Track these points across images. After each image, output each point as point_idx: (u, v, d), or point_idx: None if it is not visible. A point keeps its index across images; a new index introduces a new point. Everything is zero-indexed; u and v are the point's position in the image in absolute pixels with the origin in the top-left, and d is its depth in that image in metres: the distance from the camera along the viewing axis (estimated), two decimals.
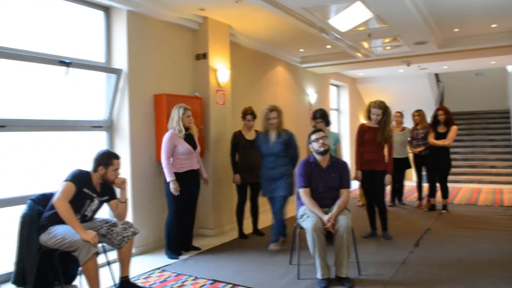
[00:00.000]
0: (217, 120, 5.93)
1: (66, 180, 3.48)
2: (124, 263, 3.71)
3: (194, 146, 4.93)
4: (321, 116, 5.42)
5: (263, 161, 5.18)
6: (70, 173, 3.55)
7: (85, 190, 3.56)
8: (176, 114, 4.82)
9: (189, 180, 4.89)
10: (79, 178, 3.53)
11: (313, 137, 4.13)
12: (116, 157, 3.72)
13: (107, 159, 3.65)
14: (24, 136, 4.26)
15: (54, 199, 3.38)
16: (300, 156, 5.22)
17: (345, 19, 6.04)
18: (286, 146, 5.15)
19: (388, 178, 5.37)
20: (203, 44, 5.89)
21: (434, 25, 6.75)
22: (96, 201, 3.66)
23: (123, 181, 3.74)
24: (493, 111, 13.44)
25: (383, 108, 5.30)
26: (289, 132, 5.27)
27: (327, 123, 5.50)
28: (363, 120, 11.81)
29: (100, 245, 3.75)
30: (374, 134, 5.36)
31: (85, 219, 3.64)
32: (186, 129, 4.88)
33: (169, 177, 4.71)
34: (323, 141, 4.08)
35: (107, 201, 3.79)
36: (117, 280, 3.77)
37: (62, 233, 3.35)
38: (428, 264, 4.41)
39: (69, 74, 4.40)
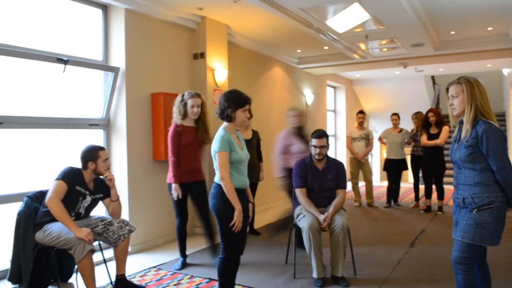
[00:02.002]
0: (214, 119, 5.91)
1: (57, 179, 3.47)
2: (120, 261, 3.70)
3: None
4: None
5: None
6: (61, 171, 3.55)
7: (77, 187, 3.55)
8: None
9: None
10: (71, 176, 3.52)
11: (313, 142, 4.14)
12: (101, 148, 3.69)
13: (93, 153, 3.62)
14: (21, 133, 4.26)
15: (46, 199, 3.38)
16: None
17: (343, 20, 6.06)
18: None
19: None
20: (201, 43, 5.90)
21: (431, 28, 6.79)
22: (88, 198, 3.64)
23: (111, 179, 3.69)
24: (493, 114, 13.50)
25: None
26: None
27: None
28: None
29: (96, 243, 3.76)
30: None
31: (80, 216, 3.63)
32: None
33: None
34: (320, 151, 4.10)
35: (101, 199, 3.78)
36: (113, 278, 3.77)
37: (57, 231, 3.35)
38: (423, 265, 4.43)
39: (66, 72, 4.40)
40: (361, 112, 7.92)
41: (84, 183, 3.61)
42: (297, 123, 5.10)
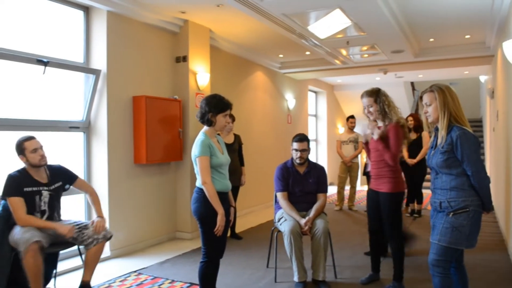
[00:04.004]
0: (196, 123, 5.92)
1: (7, 197, 3.36)
2: (89, 266, 3.54)
3: None
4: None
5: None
6: (4, 186, 3.40)
7: (26, 189, 3.42)
8: None
9: None
10: (13, 186, 3.39)
11: (294, 145, 4.17)
12: (27, 139, 3.49)
13: (19, 146, 3.47)
14: None
15: (17, 221, 3.31)
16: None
17: (324, 26, 6.12)
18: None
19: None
20: (183, 47, 5.89)
21: (411, 35, 6.91)
22: (45, 193, 3.51)
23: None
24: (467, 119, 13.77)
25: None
26: None
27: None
28: (341, 127, 11.92)
29: (75, 248, 3.70)
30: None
31: (44, 214, 3.50)
32: None
33: None
34: (301, 154, 4.14)
35: (63, 187, 3.65)
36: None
37: (15, 233, 3.28)
38: None
39: (46, 73, 4.34)
40: (352, 117, 8.08)
41: (33, 180, 3.47)
42: None
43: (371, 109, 3.80)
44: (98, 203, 3.80)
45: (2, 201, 3.45)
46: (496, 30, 6.11)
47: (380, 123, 3.84)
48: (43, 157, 3.52)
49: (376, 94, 3.80)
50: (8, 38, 4.18)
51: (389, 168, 3.76)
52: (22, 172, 3.48)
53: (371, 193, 3.96)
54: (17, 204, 3.33)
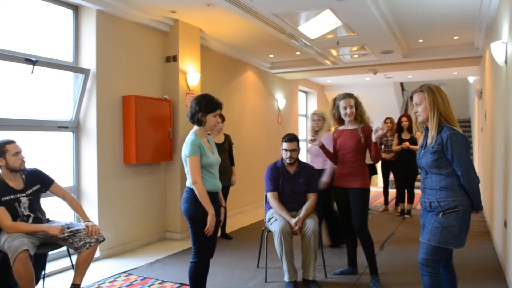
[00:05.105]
0: (186, 123, 5.90)
1: None
2: (80, 269, 3.48)
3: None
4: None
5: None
6: None
7: (4, 199, 3.33)
8: None
9: None
10: None
11: (284, 145, 4.18)
12: (9, 142, 3.43)
13: (0, 148, 3.40)
14: None
15: (4, 229, 3.25)
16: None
17: (315, 27, 6.14)
18: None
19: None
20: (174, 46, 5.87)
21: (400, 35, 6.95)
22: (23, 199, 3.44)
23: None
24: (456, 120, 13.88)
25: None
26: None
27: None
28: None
29: (64, 248, 3.66)
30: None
31: (30, 218, 3.44)
32: None
33: None
34: (291, 154, 4.15)
35: (40, 190, 3.59)
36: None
37: (4, 238, 3.22)
38: (393, 267, 4.52)
39: (35, 73, 4.29)
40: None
41: (9, 188, 3.39)
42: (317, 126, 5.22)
43: (353, 110, 4.05)
44: (81, 208, 3.76)
45: None
46: (484, 31, 6.17)
47: (351, 126, 4.09)
48: (23, 161, 3.47)
49: (355, 98, 4.13)
50: None
51: (363, 166, 4.08)
52: None
53: (339, 191, 4.10)
54: (0, 214, 3.26)
